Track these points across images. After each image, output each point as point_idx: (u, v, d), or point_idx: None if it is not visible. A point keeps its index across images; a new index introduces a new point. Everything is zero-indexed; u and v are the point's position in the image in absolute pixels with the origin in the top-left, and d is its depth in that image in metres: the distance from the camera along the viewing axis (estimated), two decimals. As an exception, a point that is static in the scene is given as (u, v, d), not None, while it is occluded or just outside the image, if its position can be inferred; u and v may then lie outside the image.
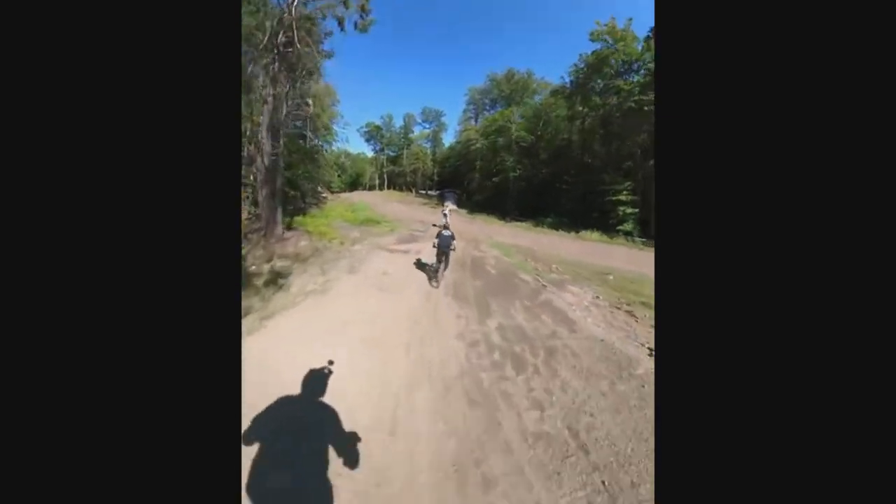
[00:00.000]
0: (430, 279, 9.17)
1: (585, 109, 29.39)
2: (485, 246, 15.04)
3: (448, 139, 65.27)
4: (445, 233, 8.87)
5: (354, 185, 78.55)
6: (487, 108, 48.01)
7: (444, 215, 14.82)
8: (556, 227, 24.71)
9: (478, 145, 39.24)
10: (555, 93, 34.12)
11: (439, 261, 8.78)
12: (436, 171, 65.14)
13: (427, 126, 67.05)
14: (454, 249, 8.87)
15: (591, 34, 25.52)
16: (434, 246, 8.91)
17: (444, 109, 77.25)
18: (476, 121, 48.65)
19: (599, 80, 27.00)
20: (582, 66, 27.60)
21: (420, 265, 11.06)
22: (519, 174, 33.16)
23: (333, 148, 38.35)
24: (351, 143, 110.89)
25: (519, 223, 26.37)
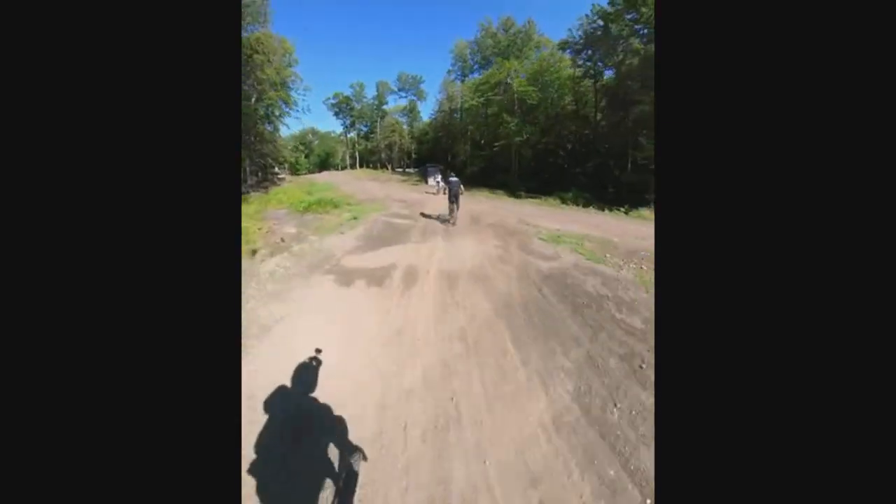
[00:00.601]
0: (444, 223, 10.08)
1: (601, 65, 25.02)
2: (538, 241, 7.99)
3: (427, 111, 57.15)
4: (452, 179, 10.46)
5: (324, 165, 70.06)
6: (477, 68, 39.94)
7: (437, 182, 14.85)
8: (581, 202, 18.40)
9: (473, 102, 31.57)
10: (563, 45, 27.95)
11: (451, 201, 10.04)
12: (413, 147, 57.07)
13: (403, 95, 58.08)
14: (463, 192, 10.50)
15: None
16: (444, 192, 11.98)
17: (423, 76, 66.74)
18: (462, 83, 40.76)
19: (621, 30, 22.18)
20: (596, 16, 23.66)
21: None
22: (525, 139, 26.03)
23: (291, 118, 30.46)
24: (319, 121, 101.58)
25: (535, 199, 19.56)
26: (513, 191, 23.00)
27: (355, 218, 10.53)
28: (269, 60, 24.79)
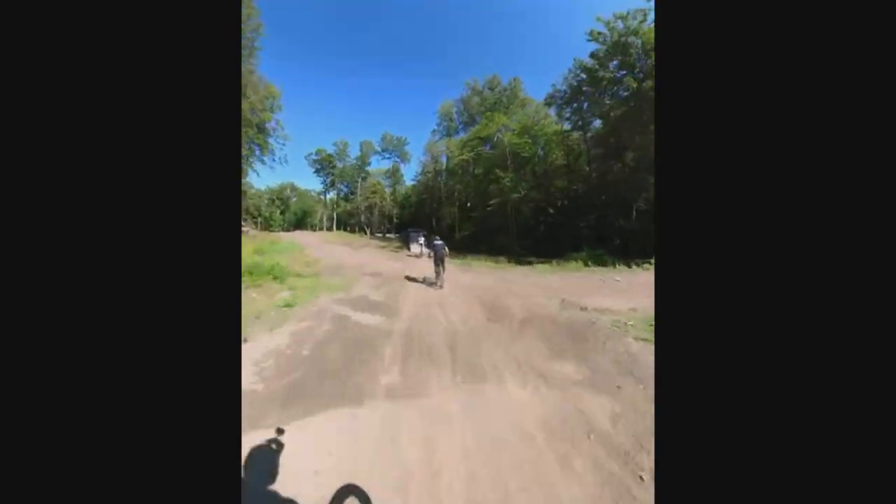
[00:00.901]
0: (431, 285, 9.19)
1: (589, 114, 24.54)
2: (638, 346, 3.64)
3: (411, 174, 54.93)
4: (437, 243, 9.76)
5: (300, 224, 66.13)
6: (462, 128, 38.02)
7: (421, 247, 15.33)
8: (606, 262, 14.44)
9: (462, 157, 28.54)
10: (549, 101, 27.08)
11: (437, 265, 9.30)
12: (395, 211, 53.80)
13: (387, 156, 55.75)
14: (448, 255, 9.70)
15: (591, 33, 21.25)
16: (429, 256, 11.18)
17: (408, 137, 62.60)
18: (448, 141, 38.57)
19: (607, 77, 21.84)
20: (579, 70, 23.55)
21: None
22: (523, 196, 22.78)
23: (266, 166, 28.17)
24: (299, 177, 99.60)
25: (544, 264, 15.41)
26: (515, 256, 19.03)
27: (289, 305, 6.11)
28: (244, 94, 21.93)
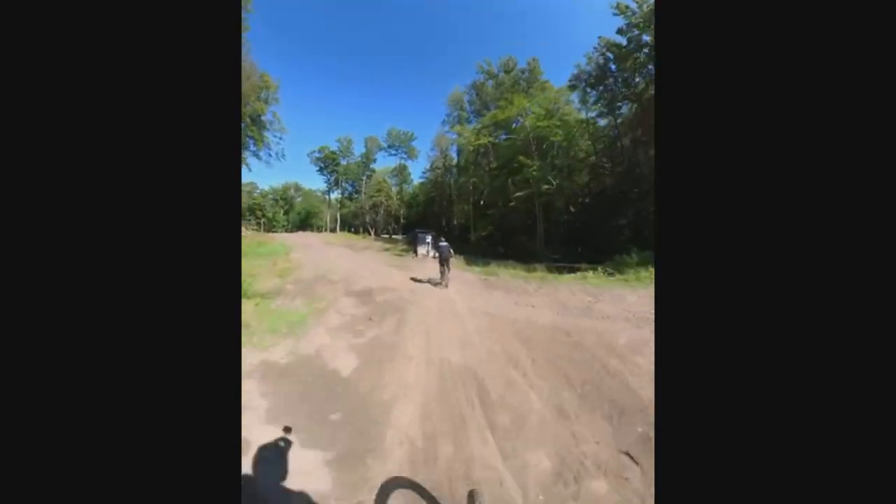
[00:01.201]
0: (436, 284, 9.23)
1: (624, 91, 21.67)
2: None
3: (418, 172, 51.30)
4: (442, 244, 9.74)
5: (305, 224, 62.96)
6: (473, 118, 34.29)
7: (428, 245, 14.74)
8: None
9: (480, 141, 24.86)
10: (573, 83, 24.12)
11: (442, 265, 9.42)
12: (402, 211, 50.09)
13: (394, 152, 51.93)
14: (453, 255, 9.78)
15: (619, 6, 19.42)
16: (434, 257, 11.58)
17: (415, 133, 52.95)
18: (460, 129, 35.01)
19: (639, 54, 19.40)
20: (605, 49, 21.53)
21: None
22: (556, 186, 19.16)
23: (261, 161, 25.89)
24: (305, 179, 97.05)
25: (594, 273, 11.74)
26: (548, 261, 15.39)
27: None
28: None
